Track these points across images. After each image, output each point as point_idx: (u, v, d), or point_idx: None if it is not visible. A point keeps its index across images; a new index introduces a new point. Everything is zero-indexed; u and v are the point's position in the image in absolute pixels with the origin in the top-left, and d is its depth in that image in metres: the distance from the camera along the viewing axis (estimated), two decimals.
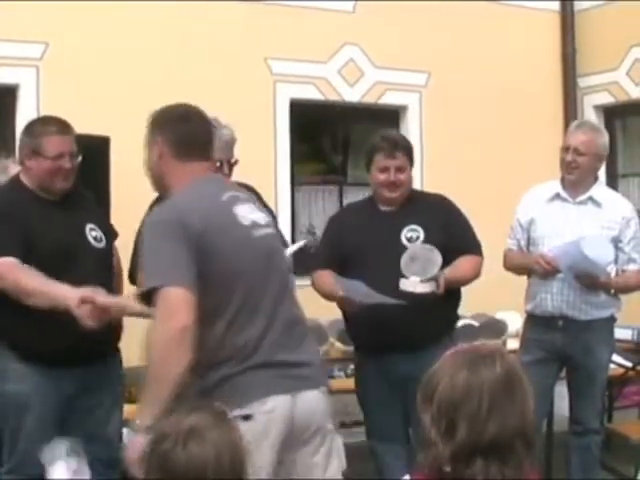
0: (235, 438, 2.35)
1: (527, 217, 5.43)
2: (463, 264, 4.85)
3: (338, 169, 9.46)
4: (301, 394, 3.39)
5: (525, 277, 5.51)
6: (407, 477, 2.43)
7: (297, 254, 4.71)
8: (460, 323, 6.68)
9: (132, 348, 3.74)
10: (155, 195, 4.01)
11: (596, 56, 9.42)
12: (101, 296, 3.95)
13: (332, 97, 8.67)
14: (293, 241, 7.37)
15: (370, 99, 8.83)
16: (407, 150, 4.92)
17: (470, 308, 6.76)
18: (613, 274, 5.28)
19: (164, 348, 3.12)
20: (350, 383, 5.34)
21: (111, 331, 4.22)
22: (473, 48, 9.08)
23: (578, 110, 9.56)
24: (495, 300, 7.06)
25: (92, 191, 4.77)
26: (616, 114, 9.62)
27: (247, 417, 3.18)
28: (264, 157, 8.12)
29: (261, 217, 3.54)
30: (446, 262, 4.70)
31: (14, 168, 4.73)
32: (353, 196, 8.16)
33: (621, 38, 9.05)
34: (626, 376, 6.63)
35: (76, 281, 4.07)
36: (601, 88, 9.46)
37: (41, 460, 3.31)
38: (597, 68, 9.43)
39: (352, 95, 8.77)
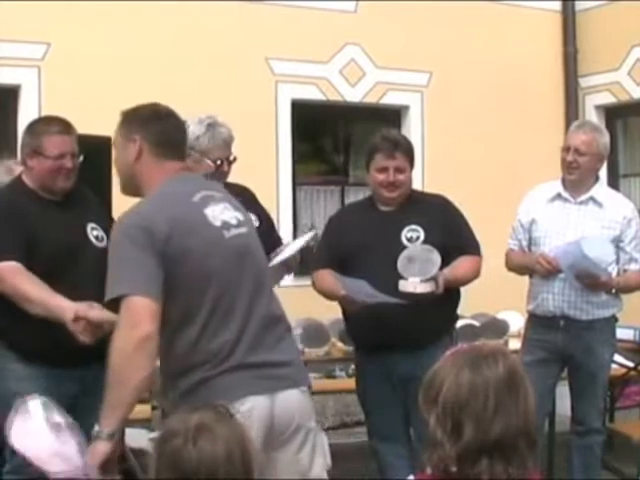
0: (242, 433, 2.35)
1: (528, 217, 5.43)
2: (462, 264, 4.86)
3: (340, 169, 9.47)
4: (280, 394, 3.38)
5: (527, 277, 5.52)
6: (411, 477, 2.43)
7: (304, 250, 4.70)
8: (461, 323, 6.69)
9: None
10: None
11: (597, 56, 9.42)
12: (95, 311, 3.92)
13: (333, 97, 8.68)
14: None
15: (371, 99, 8.84)
16: (407, 151, 4.91)
17: (472, 308, 6.76)
18: (614, 274, 5.28)
19: (126, 356, 3.14)
20: (351, 383, 5.33)
21: (111, 332, 4.22)
22: (474, 48, 9.09)
23: (579, 110, 9.56)
24: (497, 300, 7.06)
25: (93, 191, 4.77)
26: (617, 114, 9.63)
27: None
28: (266, 157, 8.12)
29: (234, 216, 3.50)
30: (445, 262, 4.71)
31: (19, 169, 4.73)
32: (355, 196, 8.17)
33: (622, 38, 9.05)
34: (628, 376, 6.64)
35: (77, 280, 4.08)
36: (602, 88, 9.46)
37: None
38: (598, 68, 9.43)
39: (353, 95, 8.78)
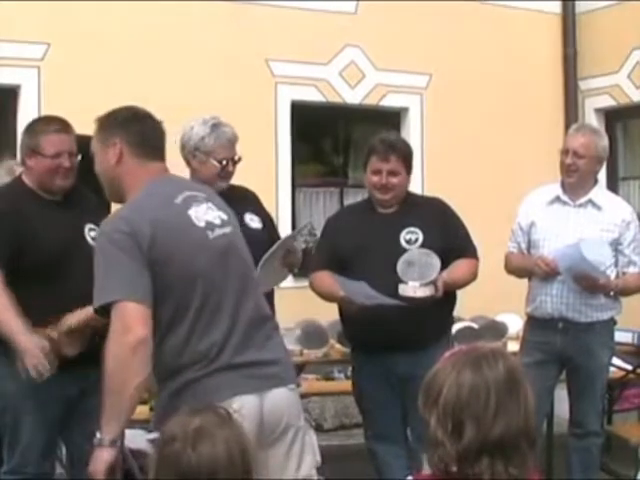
0: (241, 435, 2.36)
1: (527, 220, 5.43)
2: (460, 267, 4.89)
3: (339, 171, 9.48)
4: (268, 393, 3.39)
5: (525, 280, 5.52)
6: (410, 478, 2.43)
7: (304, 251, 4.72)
8: (460, 325, 6.69)
9: None
10: None
11: (597, 59, 9.43)
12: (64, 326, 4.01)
13: (333, 99, 8.68)
14: None
15: (371, 101, 8.85)
16: (403, 154, 4.91)
17: (471, 310, 6.77)
18: (613, 277, 5.29)
19: (122, 362, 3.14)
20: (350, 385, 5.33)
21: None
22: (474, 50, 9.09)
23: (579, 113, 9.57)
24: (496, 302, 7.06)
25: (92, 191, 4.76)
26: (617, 117, 9.63)
27: None
28: (265, 159, 8.12)
29: (217, 216, 3.49)
30: (443, 264, 4.74)
31: (20, 170, 4.74)
32: (354, 198, 8.16)
33: (622, 41, 9.05)
34: (626, 379, 6.64)
35: (72, 280, 4.10)
36: (602, 91, 9.46)
37: None
38: (598, 71, 9.43)
39: (353, 97, 8.78)
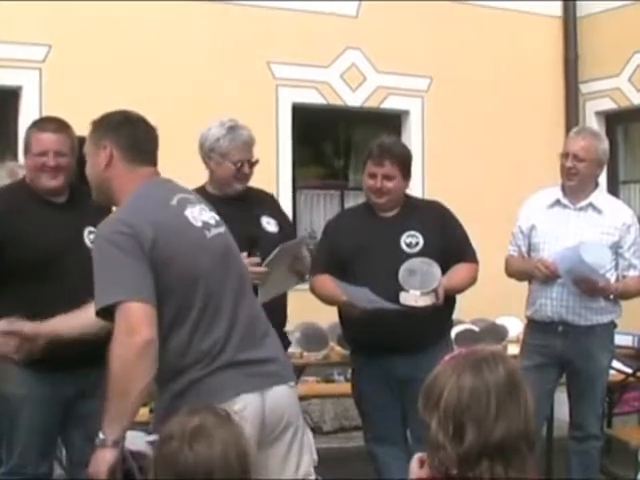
0: (240, 436, 2.36)
1: (528, 223, 5.44)
2: (460, 272, 4.91)
3: (339, 174, 9.48)
4: (270, 391, 3.41)
5: (526, 283, 5.52)
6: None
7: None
8: (461, 328, 6.71)
9: None
10: None
11: (598, 62, 9.43)
12: (28, 325, 3.96)
13: (334, 101, 8.69)
14: None
15: (372, 104, 8.85)
16: (398, 159, 4.92)
17: (471, 313, 6.78)
18: (613, 280, 5.29)
19: (128, 364, 3.10)
20: (350, 387, 5.33)
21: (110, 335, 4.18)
22: (475, 53, 9.10)
23: (580, 116, 9.57)
24: (496, 306, 7.07)
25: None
26: (618, 120, 9.63)
27: None
28: (266, 161, 8.04)
29: (211, 217, 3.51)
30: (443, 268, 4.76)
31: (22, 172, 4.75)
32: (354, 201, 8.15)
33: (623, 44, 9.06)
34: (626, 382, 6.64)
35: (65, 282, 4.10)
36: (603, 94, 9.47)
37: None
38: (599, 74, 9.43)
39: (354, 99, 8.79)
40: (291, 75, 8.42)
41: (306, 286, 5.01)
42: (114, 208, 3.72)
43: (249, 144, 4.72)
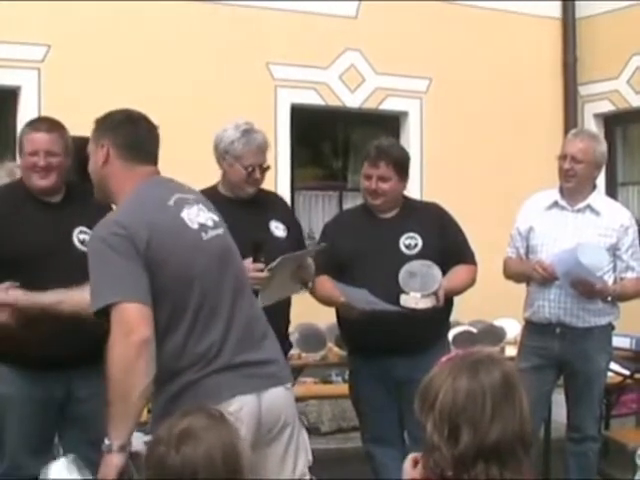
0: (231, 436, 2.36)
1: (526, 225, 5.44)
2: (459, 274, 4.94)
3: (338, 175, 9.48)
4: (266, 392, 3.42)
5: (524, 285, 5.53)
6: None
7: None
8: (459, 330, 6.71)
9: None
10: None
11: (597, 64, 9.43)
12: (22, 297, 4.00)
13: (333, 102, 8.69)
14: None
15: (371, 105, 8.85)
16: (394, 160, 4.94)
17: (469, 315, 6.78)
18: (611, 282, 5.29)
19: (127, 365, 3.09)
20: (347, 388, 5.34)
21: (98, 336, 4.11)
22: (474, 55, 9.10)
23: (578, 118, 9.57)
24: (494, 307, 7.07)
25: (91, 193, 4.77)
26: (616, 122, 9.63)
27: None
28: None
29: (209, 218, 3.50)
30: (441, 270, 4.78)
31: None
32: (353, 202, 8.16)
33: (622, 46, 9.06)
34: (624, 384, 6.65)
35: (50, 281, 4.07)
36: (602, 96, 9.47)
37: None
38: (598, 76, 9.43)
39: (353, 101, 8.78)
40: (290, 76, 8.42)
41: None
42: (114, 207, 3.72)
43: (263, 148, 4.72)
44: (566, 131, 8.57)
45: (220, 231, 3.52)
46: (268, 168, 4.77)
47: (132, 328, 3.11)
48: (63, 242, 4.23)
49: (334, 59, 8.62)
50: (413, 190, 7.92)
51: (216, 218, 3.55)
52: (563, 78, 9.66)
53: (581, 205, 5.33)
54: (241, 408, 3.28)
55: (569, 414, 5.48)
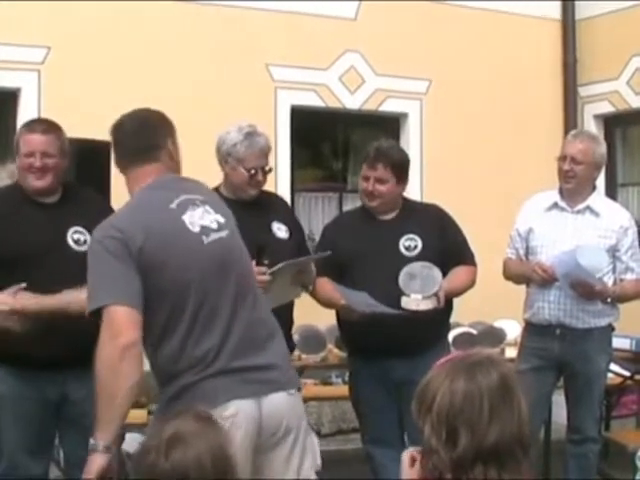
0: (219, 440, 2.35)
1: (526, 226, 5.44)
2: (459, 275, 4.94)
3: (338, 176, 9.48)
4: (266, 397, 3.40)
5: (524, 286, 5.53)
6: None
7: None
8: (459, 331, 6.71)
9: None
10: None
11: (597, 65, 9.43)
12: (31, 301, 4.01)
13: (333, 104, 8.69)
14: None
15: (371, 106, 8.85)
16: (393, 163, 4.94)
17: (469, 316, 6.78)
18: (611, 283, 5.29)
19: (112, 367, 3.13)
20: (348, 389, 5.34)
21: (94, 337, 4.09)
22: (474, 56, 9.09)
23: (578, 119, 9.56)
24: (494, 309, 7.06)
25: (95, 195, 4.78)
26: (616, 123, 9.63)
27: None
28: None
29: (214, 220, 3.48)
30: (441, 271, 4.78)
31: None
32: (352, 203, 8.16)
33: (622, 47, 9.06)
34: (624, 385, 6.65)
35: (44, 281, 4.10)
36: (601, 97, 9.47)
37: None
38: (598, 77, 9.43)
39: (353, 102, 8.78)
40: (290, 77, 8.42)
41: None
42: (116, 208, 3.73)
43: (265, 151, 4.74)
44: (566, 132, 8.57)
45: (223, 234, 3.49)
46: (270, 170, 4.78)
47: (119, 331, 3.15)
48: (58, 242, 4.25)
49: (334, 60, 8.62)
50: (413, 191, 7.92)
51: (222, 220, 3.52)
52: (563, 79, 9.66)
53: (581, 206, 5.33)
54: (237, 412, 3.29)
55: (569, 415, 5.48)
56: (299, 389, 3.63)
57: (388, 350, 4.76)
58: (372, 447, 5.06)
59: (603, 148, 5.41)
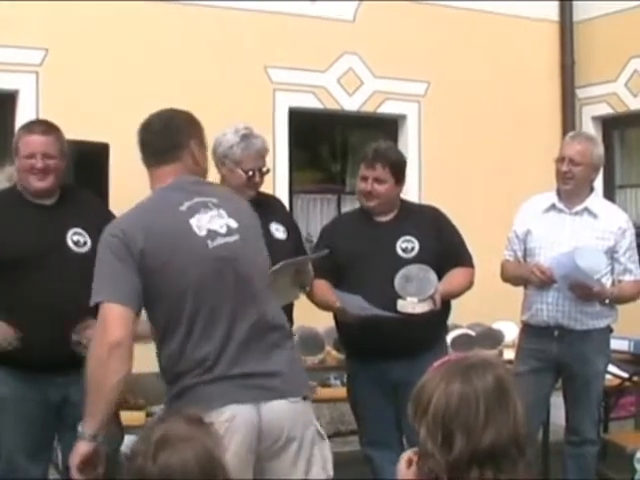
0: (207, 444, 2.34)
1: (523, 228, 5.45)
2: (456, 277, 4.94)
3: (336, 178, 9.48)
4: (266, 404, 3.38)
5: (522, 287, 5.53)
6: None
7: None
8: (457, 332, 6.71)
9: None
10: None
11: (595, 67, 9.43)
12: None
13: (331, 106, 8.68)
14: None
15: (369, 108, 8.84)
16: (391, 163, 4.95)
17: (467, 318, 6.77)
18: (609, 284, 5.30)
19: (99, 361, 3.24)
20: (346, 391, 5.34)
21: None
22: (472, 58, 9.09)
23: (576, 121, 9.56)
24: (492, 310, 7.06)
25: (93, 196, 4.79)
26: (614, 125, 9.63)
27: None
28: None
29: (224, 224, 3.46)
30: (438, 273, 4.79)
31: None
32: (351, 205, 8.15)
33: (620, 49, 9.06)
34: (622, 387, 6.64)
35: (43, 282, 4.15)
36: (600, 99, 9.47)
37: None
38: (596, 79, 9.43)
39: (351, 104, 8.78)
40: (288, 79, 8.42)
41: None
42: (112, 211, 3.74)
43: (262, 153, 4.74)
44: (564, 134, 8.57)
45: (231, 239, 3.46)
46: (268, 171, 4.79)
47: (107, 328, 3.25)
48: (58, 243, 4.26)
49: (332, 62, 8.62)
50: (411, 193, 7.92)
51: (234, 225, 3.49)
52: (561, 81, 9.66)
53: (579, 208, 5.34)
54: (234, 417, 3.29)
55: (567, 417, 5.49)
56: (305, 398, 3.56)
57: (386, 352, 4.76)
58: (370, 449, 5.06)
59: (601, 149, 5.42)
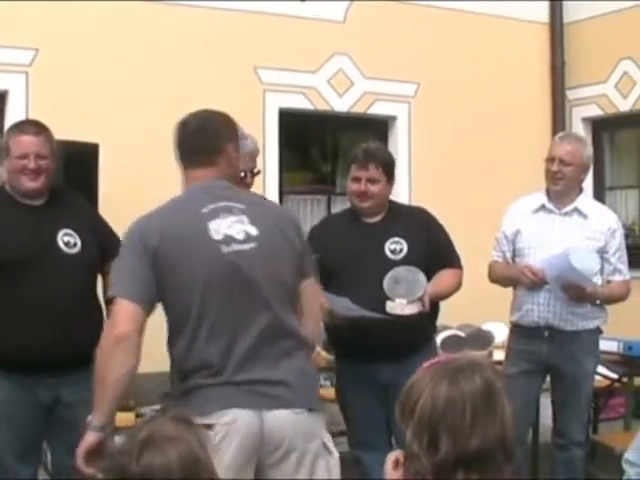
0: (192, 445, 2.31)
1: (512, 228, 5.45)
2: (445, 278, 4.93)
3: (327, 178, 9.48)
4: (269, 412, 3.36)
5: (511, 288, 5.53)
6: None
7: None
8: (447, 334, 6.70)
9: None
10: None
11: (585, 68, 9.45)
12: None
13: (321, 107, 8.68)
14: None
15: (359, 109, 8.85)
16: (383, 163, 4.95)
17: (457, 318, 6.77)
18: (599, 285, 5.30)
19: (106, 354, 3.33)
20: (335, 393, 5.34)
21: (87, 340, 4.02)
22: (462, 59, 9.11)
23: (566, 122, 9.58)
24: (482, 311, 7.06)
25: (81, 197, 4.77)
26: (604, 127, 9.65)
27: (208, 427, 3.14)
28: None
29: (243, 230, 3.42)
30: (427, 274, 4.79)
31: None
32: (341, 206, 8.15)
33: (610, 51, 9.08)
34: (612, 388, 6.66)
35: (34, 283, 4.14)
36: (590, 101, 9.49)
37: None
38: (586, 80, 9.45)
39: (341, 105, 8.78)
40: (278, 80, 8.41)
41: None
42: (102, 211, 3.73)
43: (253, 154, 4.74)
44: (554, 135, 8.54)
45: (248, 246, 3.42)
46: (259, 172, 4.79)
47: (116, 321, 3.34)
48: (49, 244, 4.25)
49: (322, 63, 8.62)
50: (401, 194, 7.93)
51: (254, 232, 3.44)
52: (551, 82, 9.68)
53: (568, 208, 5.34)
54: (234, 421, 3.29)
55: (555, 418, 5.48)
56: (310, 409, 3.51)
57: (375, 353, 4.76)
58: (360, 450, 5.05)
59: (590, 150, 5.43)
